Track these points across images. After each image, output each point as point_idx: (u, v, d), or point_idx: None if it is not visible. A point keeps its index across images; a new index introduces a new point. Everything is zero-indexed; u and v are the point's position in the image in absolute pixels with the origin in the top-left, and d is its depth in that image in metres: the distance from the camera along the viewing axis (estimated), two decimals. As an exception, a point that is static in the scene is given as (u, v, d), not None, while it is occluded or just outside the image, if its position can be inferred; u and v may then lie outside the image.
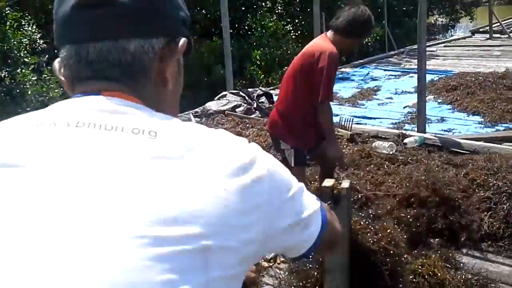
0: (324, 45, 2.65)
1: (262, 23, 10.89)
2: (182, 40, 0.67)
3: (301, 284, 2.13)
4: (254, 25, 11.20)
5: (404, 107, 5.84)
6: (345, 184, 1.82)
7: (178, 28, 0.68)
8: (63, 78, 0.66)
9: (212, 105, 5.52)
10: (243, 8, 12.21)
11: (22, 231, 0.49)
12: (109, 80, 0.63)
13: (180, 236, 0.50)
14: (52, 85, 7.80)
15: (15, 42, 8.27)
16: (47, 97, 7.50)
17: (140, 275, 0.48)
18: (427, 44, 10.31)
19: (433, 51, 9.81)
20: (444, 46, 10.52)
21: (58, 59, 0.67)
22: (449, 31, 18.21)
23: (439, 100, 6.04)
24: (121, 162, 0.54)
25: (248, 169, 0.58)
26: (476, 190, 3.09)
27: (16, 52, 8.47)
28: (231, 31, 11.16)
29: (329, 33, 2.72)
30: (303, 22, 12.15)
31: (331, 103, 2.71)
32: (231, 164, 0.57)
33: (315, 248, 0.73)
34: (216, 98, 5.88)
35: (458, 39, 11.85)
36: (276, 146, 2.96)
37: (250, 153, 0.60)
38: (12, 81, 8.29)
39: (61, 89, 6.69)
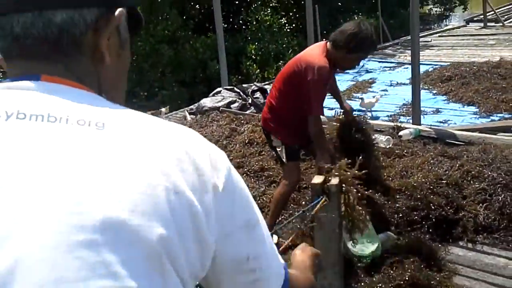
0: (317, 57, 2.59)
1: (257, 17, 10.85)
2: (119, 10, 0.62)
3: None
4: (249, 19, 11.15)
5: None
6: (335, 180, 1.82)
7: None
8: None
9: (207, 102, 5.50)
10: (236, 2, 12.16)
11: None
12: (42, 58, 0.58)
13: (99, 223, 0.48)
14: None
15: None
16: None
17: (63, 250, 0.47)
18: (421, 35, 10.31)
19: (428, 41, 9.79)
20: (439, 36, 10.50)
21: None
22: (444, 20, 18.19)
23: (434, 91, 6.04)
24: (66, 157, 0.51)
25: (200, 171, 0.55)
26: (471, 182, 3.10)
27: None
28: (226, 25, 11.13)
29: (329, 45, 2.65)
30: (297, 15, 12.11)
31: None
32: (175, 160, 0.54)
33: None
34: (210, 94, 5.87)
35: (453, 28, 11.82)
36: (269, 142, 2.97)
37: (205, 152, 0.58)
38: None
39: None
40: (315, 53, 2.66)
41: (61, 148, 0.51)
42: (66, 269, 0.46)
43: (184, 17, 11.08)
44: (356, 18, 13.06)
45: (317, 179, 1.80)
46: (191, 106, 5.83)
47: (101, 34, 0.61)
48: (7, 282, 0.45)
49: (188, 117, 5.55)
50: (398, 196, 2.95)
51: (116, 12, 0.62)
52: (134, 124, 0.56)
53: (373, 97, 5.71)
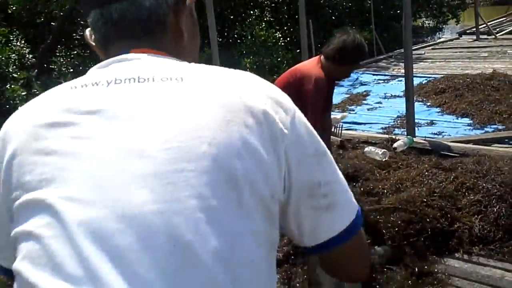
0: (313, 69, 2.63)
1: (252, 31, 10.93)
2: None
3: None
4: (244, 33, 11.23)
5: None
6: None
7: None
8: (94, 44, 0.76)
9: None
10: (231, 17, 12.25)
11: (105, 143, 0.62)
12: (134, 38, 0.71)
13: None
14: (42, 100, 7.77)
15: (3, 58, 8.23)
16: (37, 112, 7.47)
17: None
18: (415, 48, 10.41)
19: (421, 54, 9.88)
20: (432, 49, 10.60)
21: (88, 28, 0.76)
22: (437, 33, 18.37)
23: (428, 103, 6.08)
24: (155, 106, 0.62)
25: (274, 105, 0.66)
26: (466, 194, 3.10)
27: (4, 67, 8.44)
28: (221, 39, 11.19)
29: (322, 58, 2.70)
30: (291, 29, 12.20)
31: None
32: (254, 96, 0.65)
33: (341, 241, 0.69)
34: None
35: (446, 41, 11.94)
36: None
37: (276, 89, 0.69)
38: (1, 97, 8.24)
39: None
40: (310, 65, 2.70)
41: (151, 101, 0.63)
42: (163, 191, 0.58)
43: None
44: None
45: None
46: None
47: (180, 14, 0.74)
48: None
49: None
50: (392, 209, 2.94)
51: None
52: (207, 75, 0.67)
53: (341, 113, 5.61)
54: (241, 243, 0.58)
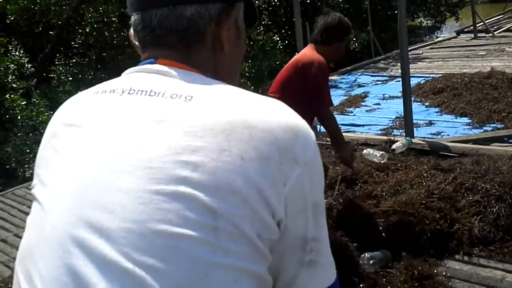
0: (312, 55, 2.72)
1: (250, 36, 10.93)
2: (237, 5, 0.72)
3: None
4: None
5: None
6: None
7: None
8: (136, 43, 0.75)
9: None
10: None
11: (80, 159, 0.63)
12: (167, 47, 0.70)
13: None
14: (42, 109, 7.78)
15: (1, 68, 8.26)
16: (37, 121, 7.48)
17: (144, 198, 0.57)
18: (412, 47, 10.40)
19: (419, 54, 9.87)
20: (430, 48, 10.59)
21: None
22: (436, 32, 18.37)
23: (427, 104, 6.07)
24: (154, 123, 0.61)
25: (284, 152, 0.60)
26: (465, 194, 3.09)
27: (3, 78, 8.46)
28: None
29: (313, 45, 2.80)
30: (289, 32, 12.21)
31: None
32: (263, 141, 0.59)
33: None
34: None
35: (444, 40, 11.94)
36: None
37: (290, 125, 0.62)
38: (1, 107, 8.26)
39: (51, 112, 6.68)
40: (309, 52, 2.78)
41: (153, 116, 0.62)
42: (144, 213, 0.56)
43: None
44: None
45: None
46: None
47: (222, 26, 0.70)
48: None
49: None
50: (391, 212, 2.93)
51: (236, 6, 0.72)
52: (220, 97, 0.63)
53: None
54: (210, 276, 0.55)
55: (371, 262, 2.60)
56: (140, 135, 0.61)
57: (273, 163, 0.58)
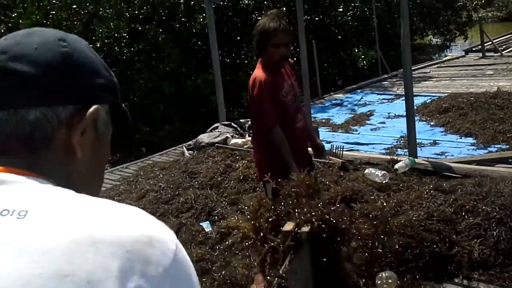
0: (254, 74, 2.72)
1: (257, 52, 11.04)
2: (93, 108, 0.63)
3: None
4: (250, 54, 11.34)
5: None
6: (305, 228, 1.79)
7: (94, 95, 0.65)
8: None
9: (204, 138, 5.54)
10: (238, 38, 12.40)
11: None
12: (7, 154, 0.60)
13: None
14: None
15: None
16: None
17: None
18: (420, 66, 10.41)
19: (426, 72, 9.86)
20: (438, 67, 10.58)
21: None
22: (445, 50, 18.35)
23: (432, 123, 6.05)
24: None
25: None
26: (465, 217, 3.05)
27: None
28: (228, 60, 11.29)
29: (260, 59, 2.79)
30: (297, 49, 12.30)
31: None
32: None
33: None
34: (208, 130, 5.91)
35: (452, 59, 11.92)
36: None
37: (141, 235, 0.53)
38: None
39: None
40: (256, 69, 2.77)
41: None
42: None
43: (187, 54, 11.31)
44: (356, 50, 13.25)
45: (288, 226, 1.78)
46: (189, 142, 5.86)
47: (75, 129, 0.62)
48: None
49: (186, 153, 5.57)
50: (390, 234, 2.90)
51: (91, 109, 0.63)
52: (62, 210, 0.54)
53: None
54: None
55: (390, 281, 2.57)
56: None
57: (126, 279, 0.50)
